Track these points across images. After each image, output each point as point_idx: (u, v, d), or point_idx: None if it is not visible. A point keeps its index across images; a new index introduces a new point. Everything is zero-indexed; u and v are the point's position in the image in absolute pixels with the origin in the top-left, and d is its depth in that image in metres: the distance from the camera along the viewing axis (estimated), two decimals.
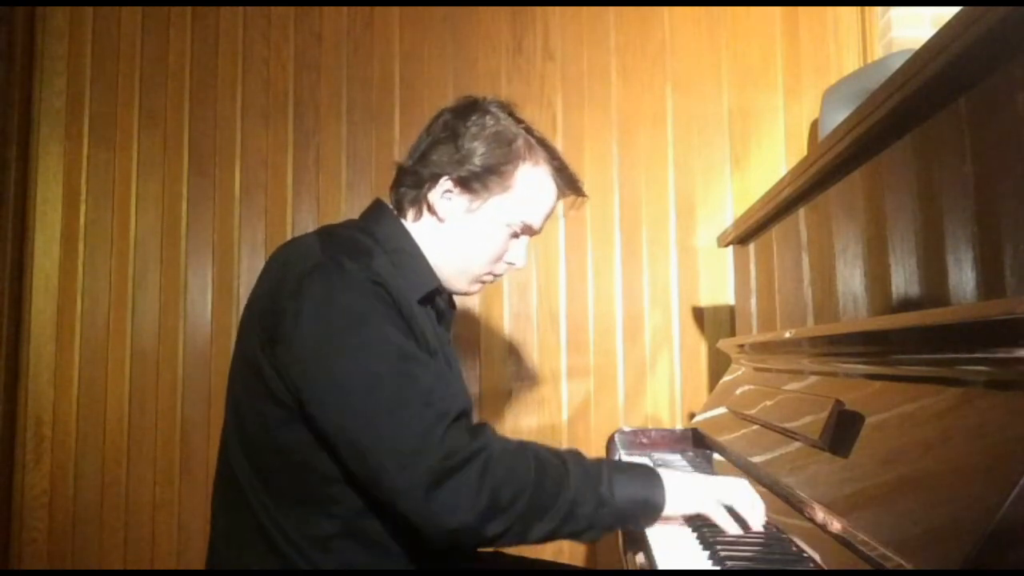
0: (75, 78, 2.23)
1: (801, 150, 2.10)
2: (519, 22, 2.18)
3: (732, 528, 0.98)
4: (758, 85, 2.13)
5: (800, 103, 2.11)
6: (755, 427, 1.25)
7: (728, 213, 2.10)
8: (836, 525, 0.80)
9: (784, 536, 0.94)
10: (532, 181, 1.16)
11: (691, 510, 1.01)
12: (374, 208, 1.20)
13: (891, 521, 0.70)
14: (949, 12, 0.74)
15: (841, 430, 0.89)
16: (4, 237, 2.13)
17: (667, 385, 2.09)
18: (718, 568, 0.86)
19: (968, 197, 0.77)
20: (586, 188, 1.27)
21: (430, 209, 1.15)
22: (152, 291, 2.18)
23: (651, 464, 1.26)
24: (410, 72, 2.19)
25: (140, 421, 2.15)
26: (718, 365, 2.01)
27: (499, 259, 1.19)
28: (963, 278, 0.79)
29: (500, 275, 1.24)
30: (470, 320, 2.11)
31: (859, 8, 2.11)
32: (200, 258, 2.18)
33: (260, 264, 2.14)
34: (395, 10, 2.20)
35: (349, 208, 2.15)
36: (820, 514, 0.85)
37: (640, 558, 0.98)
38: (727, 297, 2.07)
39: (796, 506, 0.94)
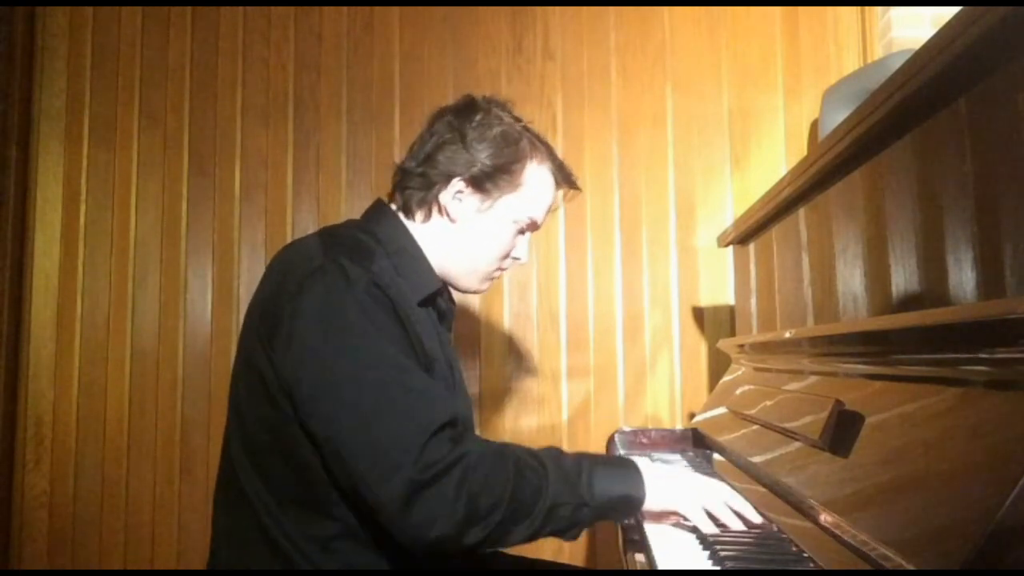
0: (75, 78, 2.23)
1: (801, 150, 2.10)
2: (519, 22, 2.18)
3: (708, 527, 0.99)
4: (758, 85, 2.13)
5: (800, 103, 2.11)
6: (755, 427, 1.25)
7: (728, 213, 2.10)
8: (836, 525, 0.80)
9: (784, 536, 0.94)
10: (538, 178, 1.19)
11: (670, 507, 1.02)
12: (375, 208, 1.20)
13: (891, 521, 0.70)
14: (949, 12, 0.74)
15: (841, 430, 0.89)
16: (4, 237, 2.13)
17: (667, 385, 2.09)
18: (718, 568, 0.86)
19: (968, 197, 0.77)
20: (586, 188, 1.29)
21: (440, 210, 1.16)
22: (152, 291, 2.18)
23: (649, 460, 1.26)
24: (410, 72, 2.19)
25: (140, 421, 2.15)
26: (718, 365, 2.01)
27: (506, 256, 1.21)
28: (963, 278, 0.79)
29: (506, 269, 1.25)
30: (470, 320, 2.11)
31: (859, 8, 2.11)
32: (200, 258, 2.18)
33: (260, 264, 2.15)
34: (395, 10, 2.20)
35: (349, 208, 2.15)
36: (820, 514, 0.85)
37: (640, 558, 0.98)
38: (727, 297, 2.07)
39: (796, 506, 0.94)
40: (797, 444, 1.03)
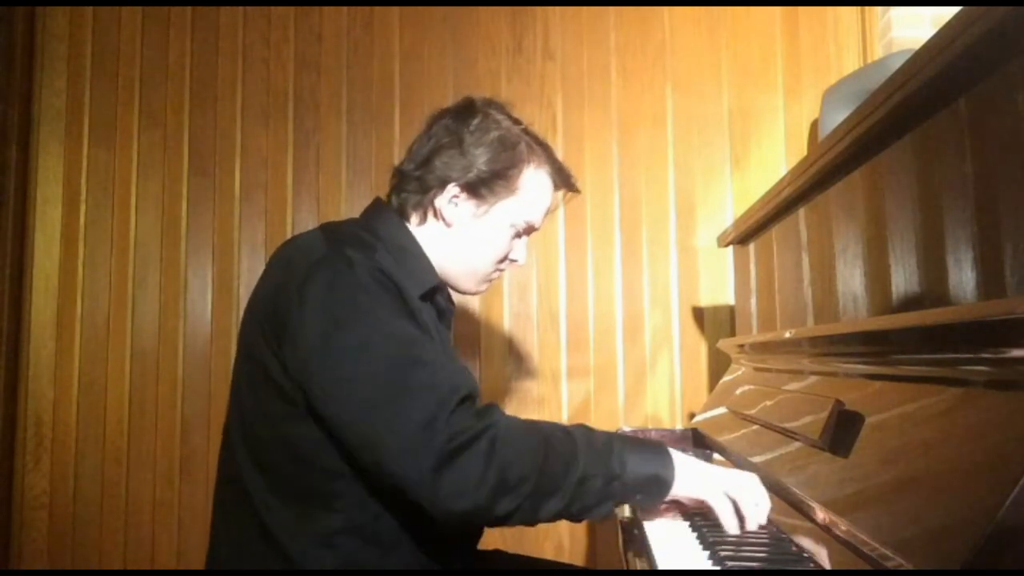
0: (75, 78, 2.23)
1: (801, 150, 2.10)
2: (519, 22, 2.18)
3: (731, 523, 0.97)
4: (758, 85, 2.13)
5: (800, 103, 2.11)
6: (755, 427, 1.25)
7: (728, 213, 2.10)
8: (836, 525, 0.80)
9: (784, 536, 0.94)
10: (536, 183, 1.18)
11: (698, 494, 1.00)
12: (375, 207, 1.20)
13: (891, 521, 0.70)
14: (949, 12, 0.74)
15: (841, 430, 0.89)
16: (4, 237, 2.13)
17: (667, 385, 2.09)
18: (718, 568, 0.86)
19: (968, 197, 0.77)
20: (586, 188, 1.28)
21: (436, 215, 1.16)
22: (152, 291, 2.18)
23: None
24: (410, 72, 2.19)
25: (140, 421, 2.15)
26: (718, 365, 2.01)
27: (504, 259, 1.21)
28: (963, 278, 0.79)
29: (503, 271, 1.25)
30: (470, 320, 2.11)
31: (859, 8, 2.11)
32: (200, 258, 2.18)
33: (260, 264, 2.15)
34: (395, 10, 2.20)
35: (349, 208, 2.15)
36: (820, 514, 0.85)
37: (640, 558, 0.98)
38: (727, 297, 2.07)
39: (796, 506, 0.94)
40: (797, 444, 1.03)
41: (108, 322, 2.18)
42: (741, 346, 1.59)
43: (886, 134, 0.95)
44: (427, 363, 0.94)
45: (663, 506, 1.06)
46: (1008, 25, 0.66)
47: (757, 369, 1.49)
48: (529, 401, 2.10)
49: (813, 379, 1.14)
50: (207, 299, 2.17)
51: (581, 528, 2.06)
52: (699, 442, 1.61)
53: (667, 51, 2.15)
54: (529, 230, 1.21)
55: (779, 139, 2.12)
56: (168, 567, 2.11)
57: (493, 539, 1.83)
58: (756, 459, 1.14)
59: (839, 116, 1.60)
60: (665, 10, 2.16)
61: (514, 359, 2.12)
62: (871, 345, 0.93)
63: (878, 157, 0.99)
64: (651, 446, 1.02)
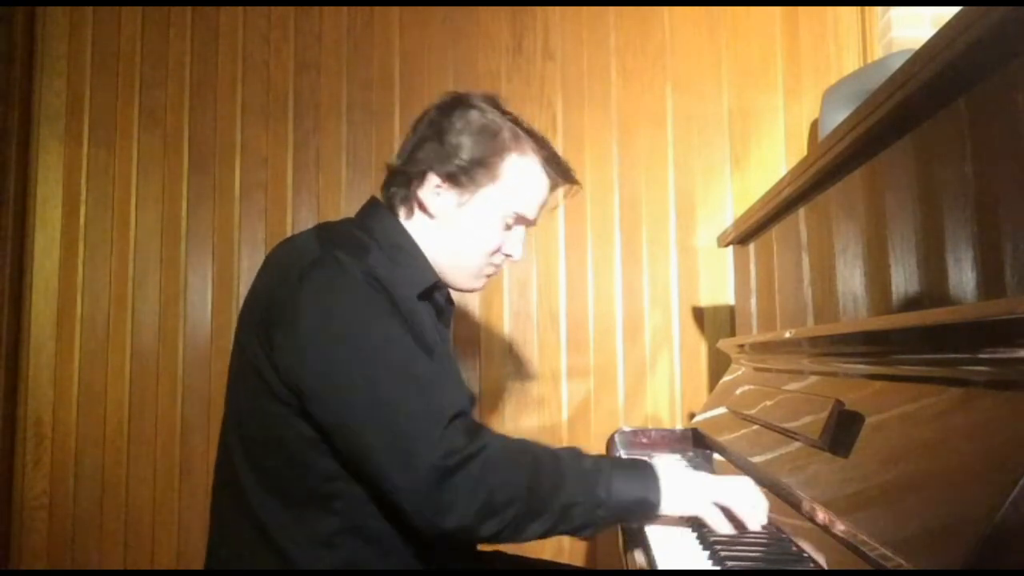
0: (75, 78, 2.23)
1: (801, 150, 2.10)
2: (519, 22, 2.18)
3: (725, 530, 0.98)
4: (758, 85, 2.13)
5: (800, 103, 2.11)
6: (755, 427, 1.25)
7: (728, 213, 2.10)
8: (836, 525, 0.80)
9: (784, 536, 0.94)
10: (520, 170, 1.15)
11: (688, 511, 1.00)
12: (370, 206, 1.20)
13: (891, 521, 0.70)
14: (949, 12, 0.74)
15: (841, 430, 0.89)
16: (4, 237, 2.13)
17: (667, 385, 2.09)
18: (718, 568, 0.86)
19: (968, 197, 0.77)
20: (586, 188, 1.27)
21: (421, 207, 1.15)
22: (152, 291, 2.18)
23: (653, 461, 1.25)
24: (410, 72, 2.19)
25: (140, 421, 2.15)
26: (718, 365, 2.01)
27: (496, 252, 1.18)
28: (963, 278, 0.79)
29: (500, 266, 1.23)
30: (470, 320, 2.11)
31: (859, 8, 2.11)
32: (200, 258, 2.18)
33: (260, 263, 2.15)
34: (395, 10, 2.20)
35: (349, 208, 2.15)
36: (820, 514, 0.85)
37: (640, 558, 0.98)
38: (727, 297, 2.07)
39: (796, 506, 0.94)
40: (797, 444, 1.03)
41: (108, 322, 2.18)
42: (741, 346, 1.59)
43: (886, 134, 0.95)
44: (421, 375, 0.94)
45: None
46: (1008, 25, 0.66)
47: (757, 369, 1.49)
48: (529, 401, 2.10)
49: (813, 379, 1.14)
50: (207, 299, 2.17)
51: None
52: (699, 442, 1.61)
53: (667, 51, 2.15)
54: (521, 221, 1.18)
55: (779, 139, 2.12)
56: (168, 567, 2.11)
57: None
58: (756, 459, 1.14)
59: (839, 116, 1.60)
60: (665, 10, 2.16)
61: (514, 359, 2.11)
62: (871, 345, 0.93)
63: (878, 157, 0.99)
64: (639, 469, 1.01)
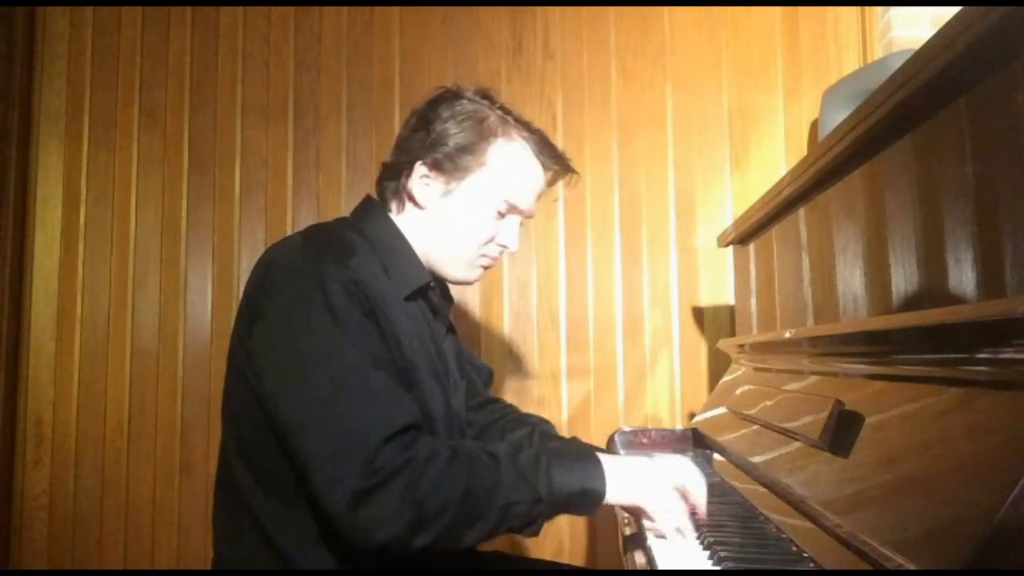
0: (75, 78, 2.23)
1: (801, 150, 2.10)
2: (519, 22, 2.18)
3: (669, 527, 0.97)
4: (758, 85, 2.13)
5: (800, 103, 2.11)
6: (755, 427, 1.25)
7: (728, 213, 2.10)
8: (836, 525, 0.80)
9: (784, 536, 0.94)
10: (507, 155, 1.14)
11: (633, 502, 0.99)
12: (364, 205, 1.20)
13: (891, 521, 0.70)
14: (949, 12, 0.74)
15: (841, 430, 0.89)
16: (4, 237, 2.13)
17: (667, 385, 2.09)
18: (718, 568, 0.86)
19: (968, 197, 0.77)
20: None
21: (410, 198, 1.15)
22: (152, 291, 2.18)
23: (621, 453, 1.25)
24: (410, 72, 2.19)
25: (140, 421, 2.15)
26: (718, 365, 2.01)
27: (489, 241, 1.17)
28: (963, 278, 0.79)
29: (496, 258, 1.22)
30: (470, 320, 2.11)
31: (859, 8, 2.11)
32: (200, 258, 2.18)
33: None
34: (395, 10, 2.20)
35: (349, 208, 2.10)
36: (820, 514, 0.85)
37: (640, 558, 0.98)
38: (727, 297, 2.07)
39: (796, 506, 0.94)
40: (797, 444, 1.03)
41: (108, 322, 2.18)
42: (741, 346, 1.59)
43: (886, 134, 0.95)
44: (367, 391, 0.93)
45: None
46: (1008, 25, 0.66)
47: (757, 369, 1.49)
48: (529, 401, 2.10)
49: (813, 379, 1.14)
50: (207, 299, 2.17)
51: (581, 528, 2.06)
52: (699, 442, 1.61)
53: (667, 51, 2.15)
54: (514, 211, 1.17)
55: (779, 139, 2.12)
56: (168, 567, 2.11)
57: None
58: (756, 459, 1.14)
59: (839, 116, 1.60)
60: (665, 10, 2.16)
61: (514, 359, 2.11)
62: (871, 345, 0.93)
63: (878, 157, 0.99)
64: (581, 459, 1.00)
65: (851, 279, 1.10)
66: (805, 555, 0.86)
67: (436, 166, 1.12)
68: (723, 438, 1.39)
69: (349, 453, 0.88)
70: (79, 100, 2.22)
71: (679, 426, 1.98)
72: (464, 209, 1.14)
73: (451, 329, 1.30)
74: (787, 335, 1.20)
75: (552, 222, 2.11)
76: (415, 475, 0.89)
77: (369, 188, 2.15)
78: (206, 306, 2.17)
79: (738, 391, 1.48)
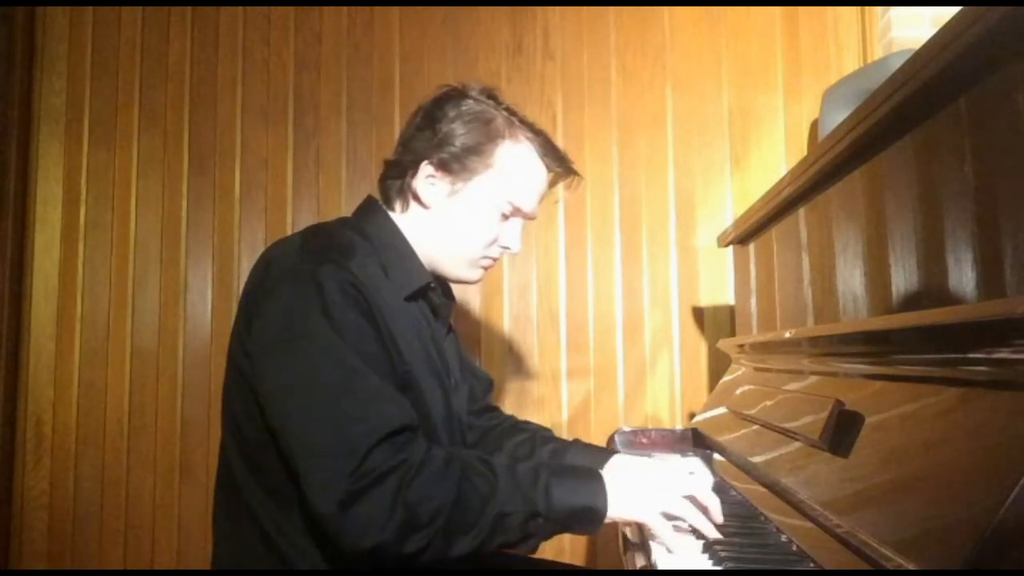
0: (75, 78, 2.23)
1: (801, 150, 2.10)
2: (519, 22, 2.18)
3: (672, 544, 0.96)
4: (758, 85, 2.13)
5: (800, 103, 2.11)
6: (755, 427, 1.25)
7: (728, 213, 2.10)
8: (836, 525, 0.80)
9: (784, 536, 0.94)
10: (514, 157, 1.14)
11: (634, 518, 0.99)
12: (366, 205, 1.20)
13: (891, 521, 0.70)
14: (949, 12, 0.74)
15: (841, 430, 0.89)
16: (4, 237, 2.13)
17: (667, 385, 2.09)
18: (718, 568, 0.86)
19: (968, 197, 0.77)
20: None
21: (415, 197, 1.15)
22: (152, 291, 2.18)
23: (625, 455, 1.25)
24: (410, 72, 2.19)
25: (140, 421, 2.15)
26: (718, 365, 2.01)
27: (493, 243, 1.17)
28: (963, 278, 0.79)
29: (498, 258, 1.22)
30: (470, 320, 2.11)
31: (859, 8, 2.11)
32: (200, 258, 2.18)
33: None
34: (395, 10, 2.20)
35: (349, 208, 2.12)
36: (820, 514, 0.85)
37: (640, 558, 0.98)
38: (727, 297, 2.07)
39: (796, 506, 0.94)
40: (797, 444, 1.03)
41: (108, 322, 2.18)
42: (741, 346, 1.59)
43: (886, 134, 0.95)
44: (361, 392, 0.92)
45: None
46: (1008, 25, 0.66)
47: (757, 369, 1.49)
48: (529, 401, 2.10)
49: (813, 379, 1.14)
50: (207, 299, 2.17)
51: None
52: (699, 442, 1.61)
53: (667, 51, 2.15)
54: (517, 213, 1.17)
55: (779, 139, 2.12)
56: (168, 567, 2.11)
57: None
58: (756, 459, 1.14)
59: (839, 116, 1.60)
60: (665, 10, 2.16)
61: (514, 359, 2.11)
62: (871, 345, 0.93)
63: (878, 157, 0.99)
64: (582, 475, 1.00)
65: (851, 279, 1.10)
66: (805, 555, 0.86)
67: (442, 166, 1.12)
68: (723, 438, 1.39)
69: (341, 454, 0.87)
70: (79, 100, 2.22)
71: (679, 426, 1.98)
72: (469, 210, 1.14)
73: (450, 329, 1.30)
74: (787, 335, 1.20)
75: (552, 222, 2.11)
76: (407, 478, 0.88)
77: (369, 188, 2.15)
78: (206, 306, 2.17)
79: (738, 391, 1.48)
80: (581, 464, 1.13)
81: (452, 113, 1.13)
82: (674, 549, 0.95)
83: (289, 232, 2.14)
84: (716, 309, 2.09)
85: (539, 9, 2.18)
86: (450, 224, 1.15)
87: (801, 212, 1.33)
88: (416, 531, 0.88)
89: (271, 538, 1.00)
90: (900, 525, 0.68)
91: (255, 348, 0.98)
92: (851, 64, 2.09)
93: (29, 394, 2.16)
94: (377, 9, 2.20)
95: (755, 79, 2.13)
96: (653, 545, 0.97)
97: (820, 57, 2.12)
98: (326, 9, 2.20)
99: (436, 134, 1.12)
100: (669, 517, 0.98)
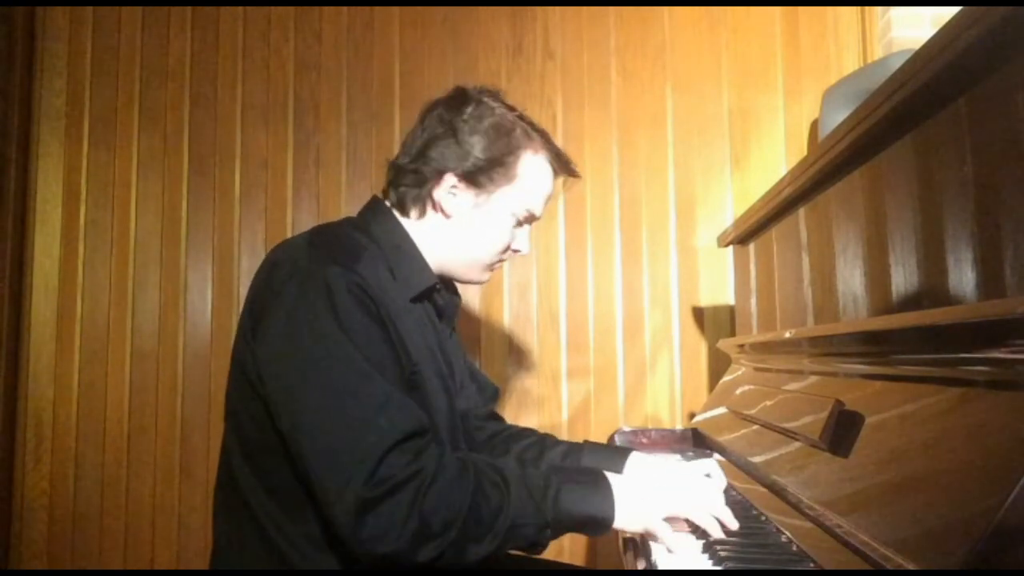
0: (75, 78, 2.23)
1: (801, 150, 2.10)
2: (519, 22, 2.18)
3: (672, 541, 0.96)
4: (758, 85, 2.13)
5: (800, 103, 2.11)
6: (755, 427, 1.25)
7: (728, 213, 2.10)
8: (836, 525, 0.80)
9: (784, 536, 0.94)
10: (535, 169, 1.17)
11: (640, 528, 0.99)
12: (371, 206, 1.20)
13: (891, 521, 0.70)
14: (949, 12, 0.74)
15: (841, 430, 0.89)
16: (4, 237, 2.13)
17: (667, 385, 2.09)
18: (718, 568, 0.86)
19: (968, 197, 0.77)
20: (586, 188, 1.27)
21: (435, 206, 1.15)
22: (152, 291, 2.18)
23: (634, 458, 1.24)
24: (410, 72, 2.19)
25: (140, 421, 2.15)
26: (718, 365, 2.01)
27: (507, 248, 1.20)
28: (963, 278, 0.79)
29: (504, 260, 1.25)
30: (470, 320, 2.11)
31: (859, 8, 2.11)
32: (200, 258, 2.18)
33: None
34: (395, 10, 2.20)
35: (349, 208, 2.15)
36: (820, 514, 0.85)
37: (640, 558, 0.98)
38: (727, 297, 2.07)
39: (796, 506, 0.94)
40: (797, 444, 1.03)
41: (108, 322, 2.18)
42: (741, 346, 1.59)
43: (886, 134, 0.95)
44: (373, 396, 0.91)
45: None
46: (1008, 25, 0.66)
47: (757, 369, 1.49)
48: (529, 401, 2.10)
49: (813, 379, 1.14)
50: (207, 299, 2.17)
51: None
52: (699, 442, 1.61)
53: (667, 51, 2.15)
54: (530, 219, 1.20)
55: (779, 139, 2.12)
56: (168, 567, 2.11)
57: None
58: (756, 459, 1.14)
59: (839, 116, 1.60)
60: (665, 10, 2.16)
61: (514, 359, 2.11)
62: (871, 345, 0.93)
63: (878, 157, 0.99)
64: (592, 484, 0.99)
65: (851, 279, 1.10)
66: (805, 555, 0.86)
67: (467, 178, 1.13)
68: (723, 438, 1.39)
69: (354, 461, 0.87)
70: (79, 100, 2.22)
71: (679, 426, 1.98)
72: (491, 220, 1.16)
73: (453, 330, 1.30)
74: (787, 335, 1.20)
75: (552, 223, 2.11)
76: (423, 487, 0.88)
77: (369, 188, 2.16)
78: (206, 306, 2.17)
79: (738, 391, 1.48)
80: (594, 467, 1.13)
81: (472, 122, 1.13)
82: (674, 549, 0.95)
83: (289, 232, 2.15)
84: (716, 309, 2.09)
85: (539, 9, 2.18)
86: (472, 233, 1.16)
87: (801, 212, 1.33)
88: (430, 540, 0.88)
89: (271, 538, 1.00)
90: (900, 525, 0.68)
91: (262, 350, 0.98)
92: (851, 64, 2.09)
93: (29, 394, 2.16)
94: (377, 9, 2.20)
95: (755, 79, 2.13)
96: (653, 545, 0.97)
97: (820, 57, 2.12)
98: (326, 9, 2.20)
99: (459, 145, 1.12)
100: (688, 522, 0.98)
